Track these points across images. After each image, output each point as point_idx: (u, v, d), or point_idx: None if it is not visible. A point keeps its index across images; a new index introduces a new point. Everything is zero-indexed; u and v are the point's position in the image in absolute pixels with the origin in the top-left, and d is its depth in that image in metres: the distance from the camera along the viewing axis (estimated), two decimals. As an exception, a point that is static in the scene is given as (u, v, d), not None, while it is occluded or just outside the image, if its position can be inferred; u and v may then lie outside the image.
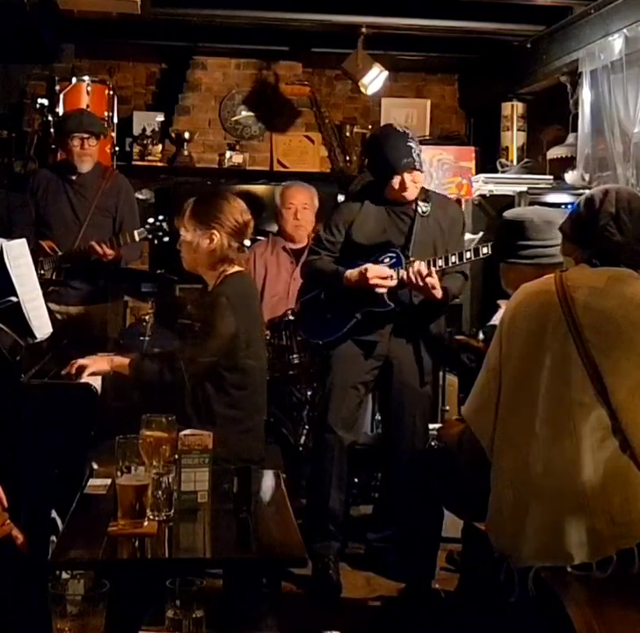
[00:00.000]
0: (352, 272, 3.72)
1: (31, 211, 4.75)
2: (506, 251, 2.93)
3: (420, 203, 3.78)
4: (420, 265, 3.62)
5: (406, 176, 3.69)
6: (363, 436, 4.46)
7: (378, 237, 3.80)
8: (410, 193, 3.75)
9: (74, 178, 4.80)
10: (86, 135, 4.71)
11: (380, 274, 3.67)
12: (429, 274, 3.61)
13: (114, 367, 3.27)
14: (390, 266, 3.73)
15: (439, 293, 3.66)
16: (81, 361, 3.27)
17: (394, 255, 3.74)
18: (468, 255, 3.71)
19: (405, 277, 3.65)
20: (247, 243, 3.36)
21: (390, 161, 3.69)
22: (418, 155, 3.71)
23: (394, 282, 3.69)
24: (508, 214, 3.08)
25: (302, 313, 4.07)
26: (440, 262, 3.69)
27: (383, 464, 4.19)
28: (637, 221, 2.38)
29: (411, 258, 3.70)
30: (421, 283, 3.62)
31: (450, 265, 3.71)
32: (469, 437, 2.46)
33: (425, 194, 3.85)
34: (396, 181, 3.70)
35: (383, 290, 3.69)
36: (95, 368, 3.26)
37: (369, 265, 3.68)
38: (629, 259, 2.37)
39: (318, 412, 4.05)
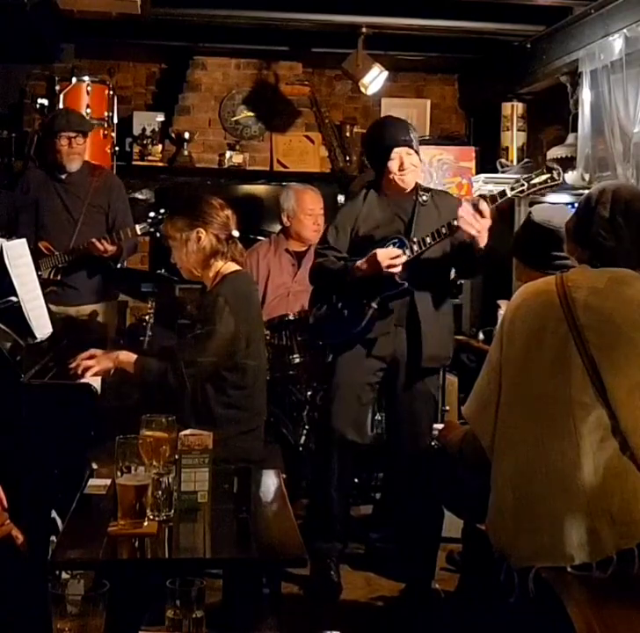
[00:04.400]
0: (361, 262, 3.70)
1: (33, 211, 4.75)
2: (539, 260, 2.91)
3: (420, 192, 3.80)
4: (482, 205, 3.51)
5: (404, 155, 3.71)
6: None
7: (384, 230, 3.80)
8: (409, 177, 3.75)
9: (63, 177, 4.79)
10: (74, 134, 4.70)
11: (390, 254, 3.65)
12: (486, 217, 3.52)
13: (119, 364, 3.26)
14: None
15: (484, 238, 3.56)
16: (86, 362, 3.27)
17: (397, 240, 3.73)
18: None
19: (463, 214, 3.51)
20: (236, 234, 3.36)
21: (387, 138, 3.74)
22: (416, 139, 3.75)
23: (405, 258, 3.66)
24: (537, 216, 3.02)
25: (318, 322, 4.05)
26: (444, 229, 3.61)
27: (387, 465, 4.18)
28: (635, 223, 2.37)
29: (414, 239, 3.68)
30: (477, 221, 3.50)
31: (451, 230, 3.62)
32: (470, 439, 2.46)
33: (424, 187, 3.88)
34: (393, 162, 3.71)
35: (397, 270, 3.65)
36: (99, 369, 3.26)
37: (377, 250, 3.66)
38: (627, 262, 2.36)
39: (322, 413, 4.03)
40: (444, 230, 3.64)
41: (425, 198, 3.80)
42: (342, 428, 3.80)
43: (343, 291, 3.83)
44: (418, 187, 3.83)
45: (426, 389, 3.85)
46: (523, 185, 3.59)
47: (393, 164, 3.73)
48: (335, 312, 3.88)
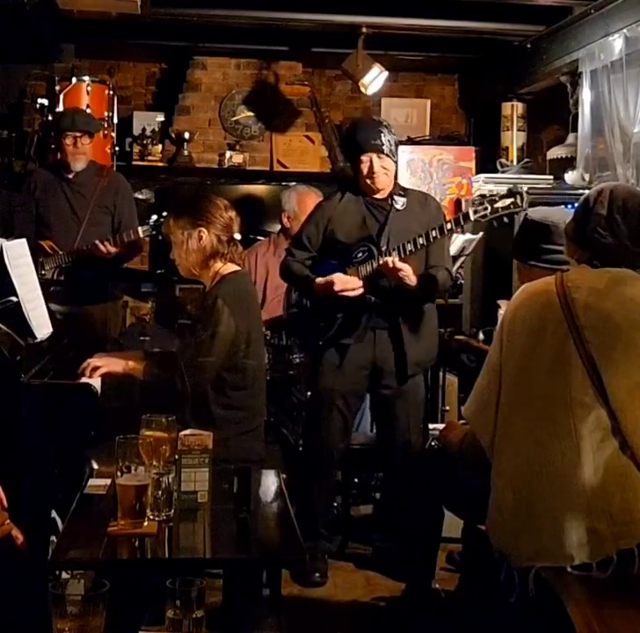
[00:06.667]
0: (319, 281, 3.74)
1: (32, 210, 4.75)
2: (529, 253, 2.92)
3: (395, 197, 3.78)
4: (387, 260, 3.62)
5: (374, 159, 3.70)
6: (363, 436, 4.47)
7: (356, 231, 3.80)
8: (380, 180, 3.75)
9: (70, 176, 4.80)
10: (79, 134, 4.71)
11: (346, 283, 3.70)
12: (399, 269, 3.61)
13: (128, 371, 3.28)
14: (363, 261, 3.73)
15: (412, 280, 3.66)
16: (95, 362, 3.28)
17: (365, 249, 3.74)
18: (433, 234, 3.65)
19: (380, 267, 3.66)
20: (237, 236, 3.36)
21: (358, 141, 3.74)
22: (390, 142, 3.72)
23: (360, 291, 3.70)
24: (534, 214, 3.04)
25: (292, 323, 4.09)
26: (410, 246, 3.66)
27: (382, 466, 4.18)
28: (633, 221, 2.37)
29: (383, 248, 3.69)
30: (395, 274, 3.64)
31: (419, 247, 3.66)
32: (470, 439, 2.46)
33: (402, 190, 3.86)
34: (363, 166, 3.71)
35: (352, 294, 3.70)
36: (108, 370, 3.27)
37: (336, 276, 3.70)
38: (626, 260, 2.36)
39: (310, 424, 4.02)
40: (409, 247, 3.65)
41: (400, 203, 3.77)
42: (330, 437, 3.82)
43: (311, 296, 3.87)
44: (394, 191, 3.80)
45: (412, 392, 3.86)
46: (486, 208, 3.65)
47: (363, 168, 3.74)
48: (306, 318, 3.93)
